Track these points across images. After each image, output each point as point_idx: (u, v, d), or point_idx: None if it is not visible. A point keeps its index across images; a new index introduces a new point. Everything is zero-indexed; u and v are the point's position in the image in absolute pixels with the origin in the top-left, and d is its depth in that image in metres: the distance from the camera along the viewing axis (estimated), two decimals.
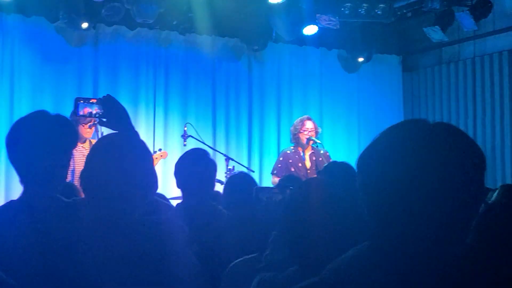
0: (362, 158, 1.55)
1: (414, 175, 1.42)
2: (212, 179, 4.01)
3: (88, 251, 2.14)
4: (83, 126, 6.79)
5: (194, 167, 3.91)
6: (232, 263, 3.01)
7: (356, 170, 1.57)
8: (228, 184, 4.72)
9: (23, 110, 7.32)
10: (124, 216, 2.24)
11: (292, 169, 7.49)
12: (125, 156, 2.31)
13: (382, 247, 1.46)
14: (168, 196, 7.64)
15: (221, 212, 3.96)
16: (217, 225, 3.74)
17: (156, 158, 7.57)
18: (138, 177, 2.29)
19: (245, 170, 8.16)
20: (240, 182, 4.54)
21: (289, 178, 4.97)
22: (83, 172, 2.33)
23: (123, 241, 2.19)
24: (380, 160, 1.49)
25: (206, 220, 3.73)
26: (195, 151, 4.22)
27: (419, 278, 1.41)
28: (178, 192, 8.48)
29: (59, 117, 2.64)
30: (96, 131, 6.88)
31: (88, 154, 2.37)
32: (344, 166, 4.02)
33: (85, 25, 8.16)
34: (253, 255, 2.97)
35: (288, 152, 7.79)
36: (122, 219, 2.24)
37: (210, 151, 8.52)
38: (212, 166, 4.01)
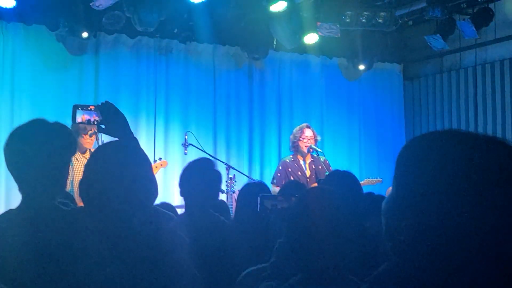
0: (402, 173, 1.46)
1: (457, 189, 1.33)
2: (217, 190, 3.98)
3: (87, 260, 2.11)
4: (84, 136, 6.76)
5: (199, 177, 3.88)
6: (244, 273, 2.98)
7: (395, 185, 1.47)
8: (243, 193, 4.61)
9: (23, 118, 7.29)
10: (122, 225, 2.21)
11: (292, 178, 7.46)
12: (124, 164, 2.28)
13: (422, 261, 1.39)
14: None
15: (224, 222, 3.92)
16: (219, 235, 3.71)
17: (156, 167, 7.55)
18: (137, 185, 2.26)
19: (245, 178, 8.14)
20: (256, 191, 4.47)
21: (292, 185, 4.94)
22: (81, 181, 2.31)
23: (121, 250, 2.16)
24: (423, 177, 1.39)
25: (208, 230, 3.70)
26: (201, 161, 4.18)
27: None
28: (179, 201, 8.45)
29: (57, 125, 2.61)
30: (97, 140, 6.86)
31: (87, 162, 2.35)
32: (346, 175, 4.00)
33: (85, 34, 8.16)
34: (264, 264, 2.94)
35: (287, 161, 7.78)
36: (120, 227, 2.21)
37: (211, 159, 8.53)
38: (217, 177, 3.98)
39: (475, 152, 1.38)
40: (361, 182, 7.83)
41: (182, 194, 3.93)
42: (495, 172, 1.34)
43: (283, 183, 7.50)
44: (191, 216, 3.82)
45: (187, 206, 3.94)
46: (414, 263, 1.40)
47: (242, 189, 4.52)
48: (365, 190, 4.68)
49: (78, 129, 6.38)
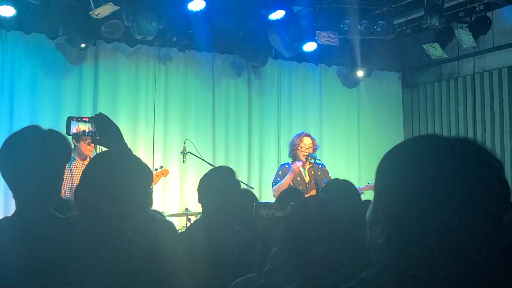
0: (381, 175, 1.52)
1: (434, 193, 1.37)
2: (234, 199, 4.02)
3: (81, 267, 2.11)
4: (84, 143, 6.78)
5: (218, 185, 3.93)
6: (234, 283, 2.99)
7: (374, 188, 1.53)
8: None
9: (22, 125, 7.30)
10: (116, 234, 2.22)
11: (291, 183, 7.47)
12: (119, 173, 2.29)
13: (404, 267, 1.41)
14: (167, 213, 7.64)
15: (238, 230, 3.95)
16: (233, 243, 3.74)
17: (157, 176, 7.55)
18: (131, 194, 2.27)
19: (244, 186, 8.15)
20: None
21: (289, 192, 4.95)
22: (77, 188, 2.32)
23: (115, 259, 2.17)
24: (398, 178, 1.45)
25: (223, 238, 3.74)
26: (222, 169, 4.25)
27: None
28: (178, 209, 8.46)
29: (51, 132, 2.63)
30: (95, 149, 6.88)
31: (84, 170, 2.37)
32: (345, 184, 4.01)
33: (83, 45, 8.19)
34: (253, 274, 2.95)
35: (287, 166, 7.79)
36: (114, 236, 2.22)
37: (209, 167, 8.54)
38: (236, 186, 4.03)
39: (445, 155, 1.42)
40: (362, 187, 7.89)
41: (200, 200, 4.00)
42: (465, 173, 1.38)
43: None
44: (206, 222, 3.88)
45: (203, 212, 4.02)
46: (393, 267, 1.43)
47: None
48: (367, 195, 4.72)
49: (78, 136, 6.40)
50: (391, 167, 1.50)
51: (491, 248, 1.36)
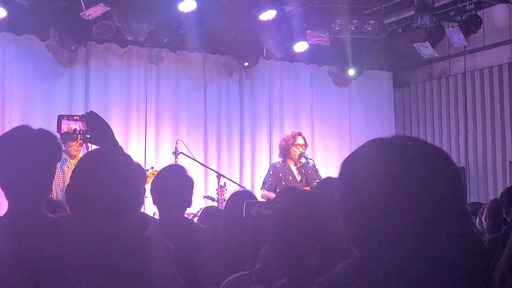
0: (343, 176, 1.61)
1: (391, 190, 1.44)
2: (188, 196, 3.94)
3: (73, 267, 2.11)
4: (71, 143, 6.76)
5: (169, 184, 3.86)
6: (226, 280, 2.99)
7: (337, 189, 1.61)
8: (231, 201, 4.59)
9: (13, 126, 7.29)
10: (108, 232, 2.22)
11: (283, 183, 7.48)
12: (110, 171, 2.29)
13: (367, 262, 1.47)
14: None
15: (199, 227, 3.92)
16: (196, 241, 3.69)
17: (148, 176, 7.52)
18: (123, 192, 2.26)
19: (236, 187, 8.15)
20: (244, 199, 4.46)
21: (288, 190, 4.95)
22: (68, 187, 2.31)
23: (107, 258, 2.16)
24: (357, 179, 1.55)
25: (184, 237, 3.68)
26: (172, 168, 4.20)
27: None
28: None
29: (41, 131, 2.63)
30: (87, 148, 6.85)
31: (74, 169, 2.36)
32: None
33: (73, 47, 8.18)
34: (246, 271, 2.95)
35: (278, 166, 7.79)
36: (106, 235, 2.21)
37: (201, 168, 8.54)
38: (188, 183, 3.94)
39: (393, 155, 1.52)
40: None
41: (154, 202, 3.89)
42: (425, 170, 1.46)
43: (274, 187, 7.53)
44: (165, 223, 3.79)
45: (160, 213, 3.91)
46: (356, 264, 1.51)
47: (230, 197, 4.52)
48: None
49: (66, 136, 6.39)
50: (343, 176, 1.63)
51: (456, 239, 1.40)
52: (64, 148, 6.64)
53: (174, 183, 3.85)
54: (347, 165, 1.61)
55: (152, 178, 4.03)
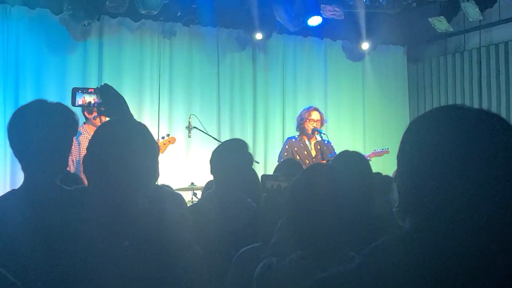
0: (405, 143, 1.51)
1: (459, 162, 1.37)
2: (247, 172, 4.00)
3: (90, 239, 2.12)
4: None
5: (230, 157, 3.92)
6: (239, 252, 3.01)
7: (397, 158, 1.52)
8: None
9: (28, 100, 7.31)
10: (126, 204, 2.22)
11: (298, 157, 7.48)
12: (125, 141, 2.29)
13: (421, 234, 1.41)
14: (173, 188, 7.64)
15: (250, 204, 3.96)
16: (245, 216, 3.74)
17: (164, 144, 7.47)
18: (139, 161, 2.26)
19: None
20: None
21: (287, 163, 4.96)
22: (85, 158, 2.32)
23: (124, 228, 2.17)
24: (422, 147, 1.45)
25: (234, 211, 3.74)
26: (235, 142, 4.22)
27: (459, 267, 1.35)
28: (183, 183, 8.45)
29: (59, 105, 2.65)
30: (100, 121, 6.83)
31: (90, 139, 2.36)
32: (355, 155, 3.98)
33: (86, 22, 8.17)
34: (258, 244, 2.97)
35: (293, 140, 7.79)
36: (124, 206, 2.22)
37: (214, 142, 8.54)
38: (248, 159, 4.01)
39: (473, 126, 1.43)
40: (368, 155, 7.87)
41: (212, 172, 3.96)
42: (493, 144, 1.39)
43: None
44: (219, 195, 3.86)
45: (216, 184, 3.98)
46: (415, 231, 1.43)
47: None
48: (372, 163, 4.69)
49: (90, 108, 6.37)
50: (415, 137, 1.49)
51: None
52: (86, 120, 6.67)
53: (235, 157, 3.92)
54: (423, 125, 1.50)
55: (215, 148, 4.08)
